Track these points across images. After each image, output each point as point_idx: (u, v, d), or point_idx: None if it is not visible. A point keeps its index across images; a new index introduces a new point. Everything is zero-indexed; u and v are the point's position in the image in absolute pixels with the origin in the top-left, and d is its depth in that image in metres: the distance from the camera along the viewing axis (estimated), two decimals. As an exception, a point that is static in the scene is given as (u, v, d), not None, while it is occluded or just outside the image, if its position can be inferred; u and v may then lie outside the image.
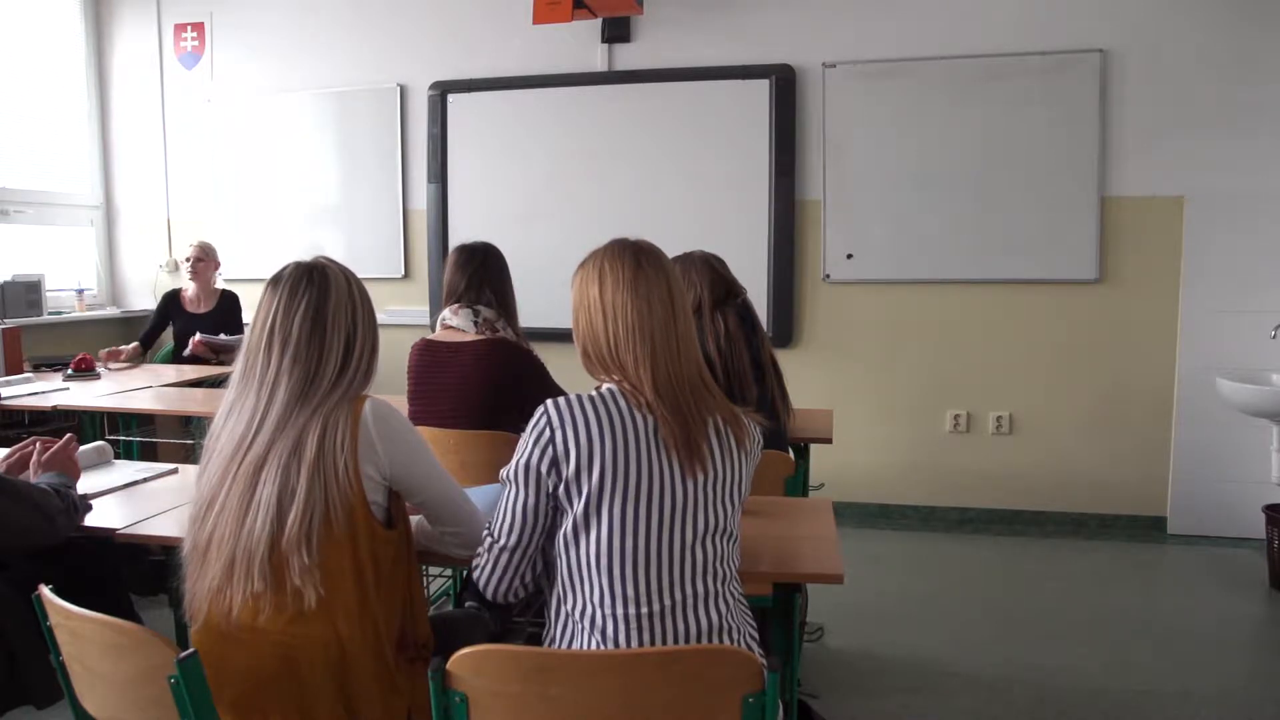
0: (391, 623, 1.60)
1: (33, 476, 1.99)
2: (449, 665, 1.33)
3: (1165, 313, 4.45)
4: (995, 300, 4.62)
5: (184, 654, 1.34)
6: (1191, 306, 4.40)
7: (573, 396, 1.55)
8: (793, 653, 2.05)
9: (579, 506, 1.50)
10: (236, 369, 1.58)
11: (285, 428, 1.51)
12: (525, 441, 1.54)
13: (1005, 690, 2.96)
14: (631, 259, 1.59)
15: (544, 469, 1.52)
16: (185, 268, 4.86)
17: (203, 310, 4.90)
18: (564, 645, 1.53)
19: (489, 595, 1.61)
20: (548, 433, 1.52)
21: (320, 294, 1.57)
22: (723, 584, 1.54)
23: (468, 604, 2.87)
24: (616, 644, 1.48)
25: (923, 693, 2.94)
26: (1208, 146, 4.33)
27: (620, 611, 1.48)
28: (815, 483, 3.62)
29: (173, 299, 4.90)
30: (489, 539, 1.59)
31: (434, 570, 3.33)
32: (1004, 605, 3.67)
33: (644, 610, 1.48)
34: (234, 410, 1.56)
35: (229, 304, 4.93)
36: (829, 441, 3.05)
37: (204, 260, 4.86)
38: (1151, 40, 4.36)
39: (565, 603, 1.54)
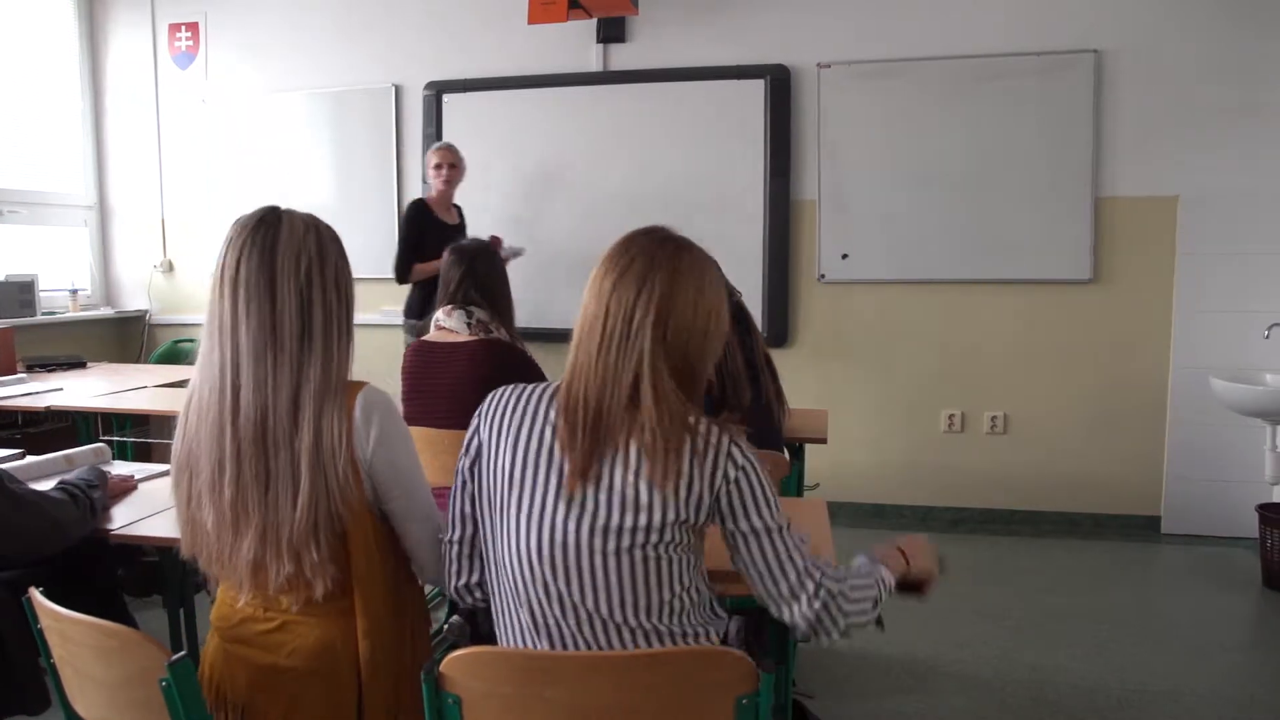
0: (393, 625, 1.59)
1: None
2: (442, 667, 1.33)
3: (1159, 313, 4.46)
4: (990, 300, 4.63)
5: (175, 657, 1.33)
6: (1185, 306, 4.41)
7: (515, 387, 1.52)
8: (787, 653, 2.05)
9: (482, 500, 1.48)
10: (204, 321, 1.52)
11: (272, 393, 1.45)
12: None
13: (1000, 689, 2.97)
14: (623, 256, 1.47)
15: (467, 458, 1.52)
16: (436, 175, 4.50)
17: (453, 222, 4.61)
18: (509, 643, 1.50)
19: (450, 591, 1.60)
20: (475, 421, 1.51)
21: (271, 236, 1.48)
22: (624, 608, 1.40)
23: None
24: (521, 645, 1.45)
25: (918, 692, 2.94)
26: (1201, 147, 4.34)
27: (522, 618, 1.44)
28: (810, 482, 3.62)
29: (423, 209, 4.51)
30: (443, 539, 1.59)
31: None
32: (999, 605, 3.68)
33: (539, 617, 1.42)
34: (205, 363, 1.50)
35: (463, 218, 4.71)
36: (824, 441, 3.06)
37: (456, 166, 4.54)
38: (1146, 41, 4.37)
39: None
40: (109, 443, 3.31)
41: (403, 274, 4.48)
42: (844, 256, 4.73)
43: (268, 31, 5.42)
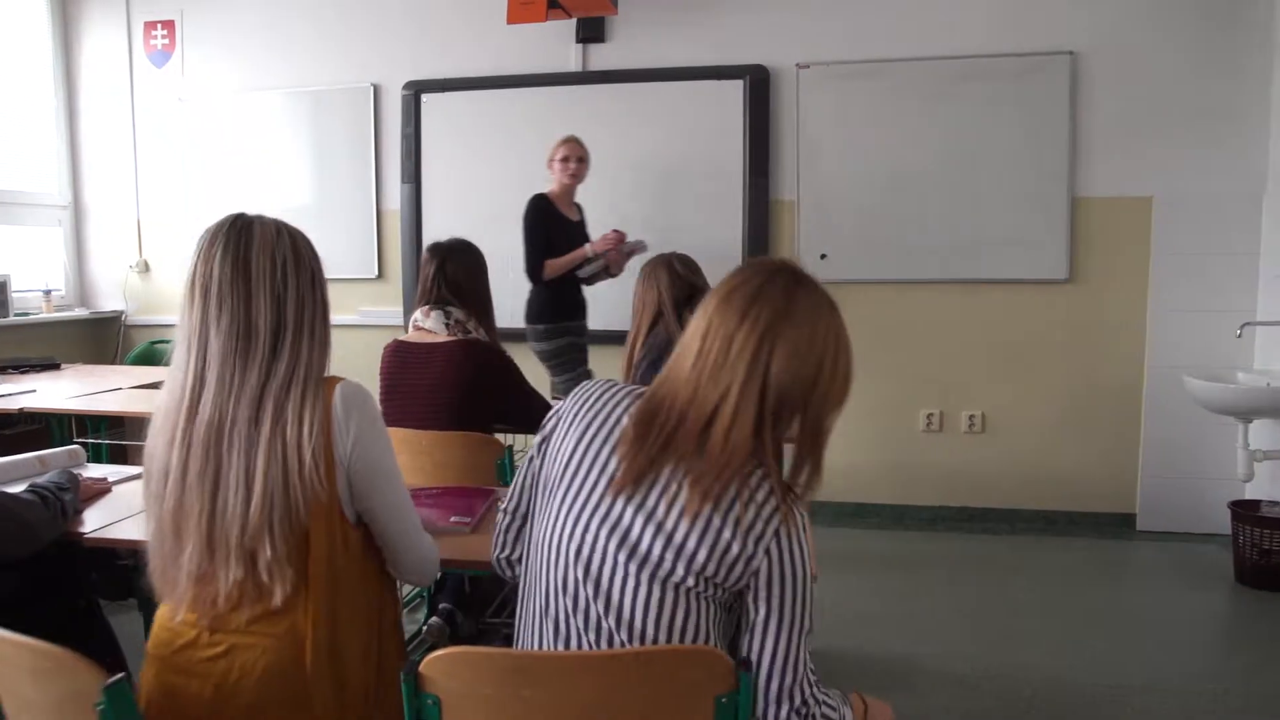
0: (361, 634, 1.53)
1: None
2: (421, 668, 1.33)
3: (1134, 312, 4.50)
4: (968, 300, 4.66)
5: (111, 680, 1.27)
6: (1159, 306, 4.46)
7: (608, 381, 1.51)
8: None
9: (539, 481, 1.49)
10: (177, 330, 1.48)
11: (235, 392, 1.42)
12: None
13: (977, 686, 2.99)
14: (736, 276, 1.42)
15: (540, 435, 1.52)
16: (562, 169, 4.24)
17: (575, 219, 4.36)
18: (524, 637, 1.49)
19: (492, 559, 1.61)
20: (565, 400, 1.51)
21: (244, 239, 1.46)
22: (632, 632, 1.35)
23: (441, 605, 2.89)
24: (542, 639, 1.43)
25: (896, 690, 2.95)
26: (1174, 148, 4.39)
27: (544, 610, 1.44)
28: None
29: (547, 205, 4.24)
30: (501, 509, 1.61)
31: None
32: (977, 602, 3.71)
33: (560, 613, 1.41)
34: (171, 372, 1.47)
35: (583, 215, 4.47)
36: (803, 441, 3.06)
37: (584, 160, 4.29)
38: (1120, 43, 4.41)
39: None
40: (84, 445, 3.28)
41: (535, 273, 4.18)
42: (822, 256, 4.75)
43: (245, 29, 5.38)
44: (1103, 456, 4.59)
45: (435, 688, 1.33)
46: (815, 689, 1.39)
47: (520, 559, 1.58)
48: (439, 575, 1.58)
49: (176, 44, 5.49)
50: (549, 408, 3.15)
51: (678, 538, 1.32)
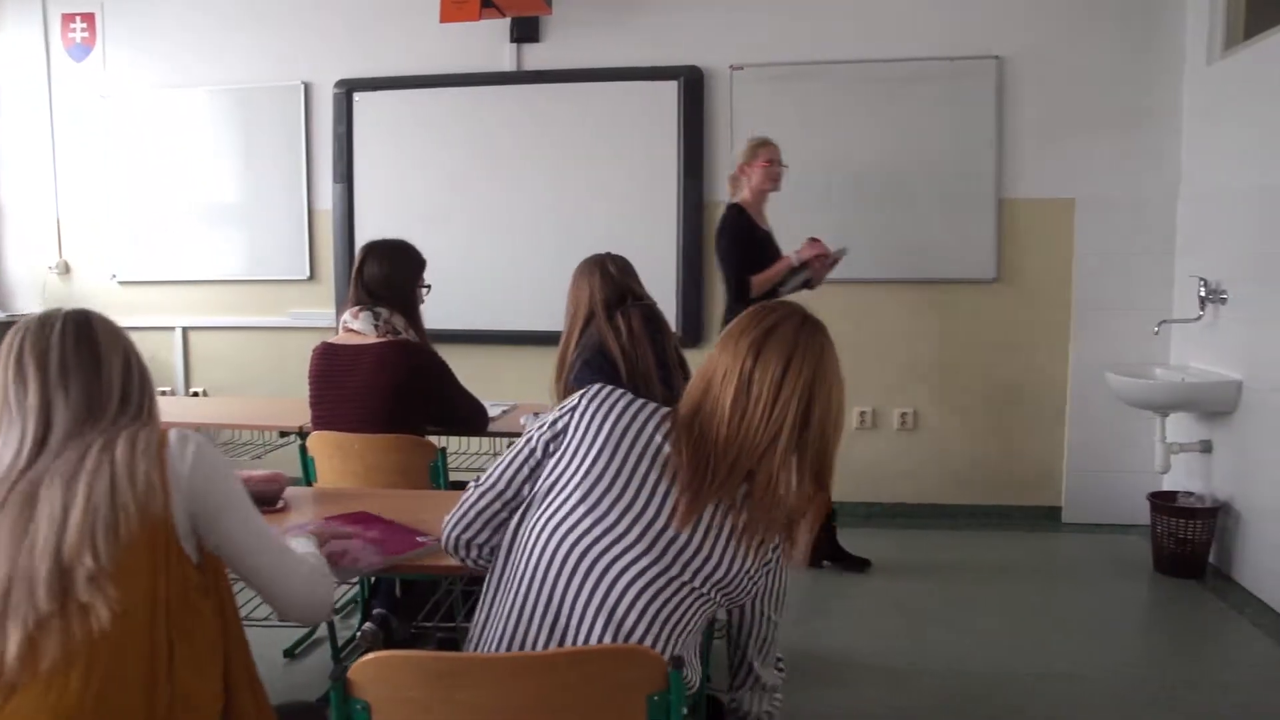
0: (202, 681, 1.35)
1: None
2: (350, 673, 1.31)
3: (1059, 311, 4.63)
4: (900, 299, 4.74)
5: None
6: (1083, 304, 4.59)
7: (624, 393, 1.54)
8: (705, 650, 2.07)
9: (539, 478, 1.52)
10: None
11: (66, 451, 1.32)
12: (556, 409, 1.57)
13: (911, 678, 3.04)
14: (767, 317, 1.52)
15: (549, 432, 1.54)
16: (764, 175, 3.89)
17: (767, 228, 3.98)
18: (503, 630, 1.49)
19: (450, 537, 1.59)
20: (576, 400, 1.54)
21: (77, 315, 1.42)
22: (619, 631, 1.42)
23: (375, 611, 2.85)
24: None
25: (834, 685, 3.00)
26: (1095, 151, 4.52)
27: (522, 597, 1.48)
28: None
29: (745, 217, 3.88)
30: (476, 487, 1.60)
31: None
32: (911, 596, 3.78)
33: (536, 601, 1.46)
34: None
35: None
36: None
37: (784, 165, 3.96)
38: (1044, 49, 4.53)
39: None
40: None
41: (743, 291, 3.78)
42: (758, 257, 4.79)
43: (170, 24, 5.24)
44: (1030, 452, 4.71)
45: (364, 693, 1.32)
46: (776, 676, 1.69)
47: (486, 546, 1.58)
48: (330, 616, 1.51)
49: (97, 38, 5.33)
50: (481, 409, 3.13)
51: (710, 564, 1.44)
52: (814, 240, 3.84)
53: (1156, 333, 4.32)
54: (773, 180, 3.91)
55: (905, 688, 2.98)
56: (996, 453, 4.74)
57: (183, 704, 1.29)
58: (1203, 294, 4.07)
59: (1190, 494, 4.06)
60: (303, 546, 1.67)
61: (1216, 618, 3.55)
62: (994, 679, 3.04)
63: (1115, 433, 4.55)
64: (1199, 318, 4.13)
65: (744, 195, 3.94)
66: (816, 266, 3.84)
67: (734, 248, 3.84)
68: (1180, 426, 4.20)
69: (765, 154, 3.89)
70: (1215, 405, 3.93)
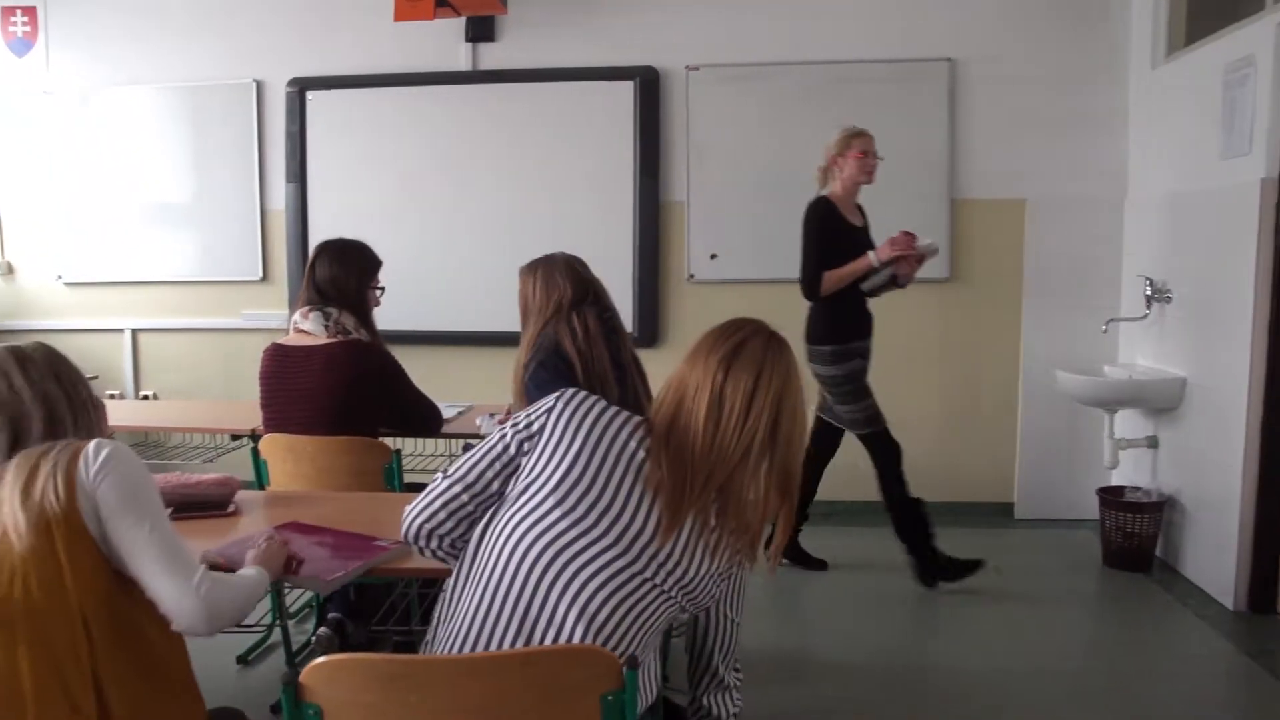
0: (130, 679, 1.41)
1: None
2: (302, 677, 1.30)
3: (1010, 310, 4.70)
4: (854, 299, 4.77)
5: None
6: (1033, 304, 4.67)
7: (599, 400, 1.57)
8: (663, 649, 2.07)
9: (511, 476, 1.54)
10: None
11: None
12: (529, 409, 1.58)
13: (869, 675, 3.08)
14: (735, 333, 1.56)
15: (524, 432, 1.55)
16: (859, 167, 3.75)
17: (859, 223, 3.86)
18: (466, 627, 1.50)
19: (413, 527, 1.58)
20: (551, 402, 1.56)
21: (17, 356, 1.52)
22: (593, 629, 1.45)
23: (330, 615, 2.82)
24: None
25: (794, 682, 3.02)
26: (1044, 152, 4.60)
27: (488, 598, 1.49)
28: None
29: (833, 210, 3.76)
30: (445, 478, 1.60)
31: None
32: (869, 594, 3.81)
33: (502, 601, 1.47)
34: None
35: (866, 217, 3.94)
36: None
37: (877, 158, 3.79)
38: (992, 51, 4.61)
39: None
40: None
41: (813, 287, 3.74)
42: (713, 256, 4.82)
43: (117, 19, 5.13)
44: (983, 449, 4.78)
45: (316, 697, 1.31)
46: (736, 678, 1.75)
47: (451, 538, 1.58)
48: (215, 630, 1.49)
49: (40, 32, 5.20)
50: (436, 411, 3.11)
51: (681, 567, 1.49)
52: (906, 234, 3.66)
53: (1105, 331, 4.41)
54: (867, 173, 3.77)
55: (861, 683, 3.02)
56: (951, 451, 4.79)
57: (114, 687, 1.37)
58: (1149, 293, 4.16)
59: (1138, 489, 4.14)
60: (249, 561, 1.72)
61: (1162, 609, 3.64)
62: (948, 673, 3.08)
63: (1066, 430, 4.63)
64: (1145, 316, 4.22)
65: (834, 188, 3.82)
66: (904, 264, 3.69)
67: (812, 241, 3.73)
68: (1128, 423, 4.28)
69: (859, 145, 3.75)
70: (1161, 402, 4.02)
